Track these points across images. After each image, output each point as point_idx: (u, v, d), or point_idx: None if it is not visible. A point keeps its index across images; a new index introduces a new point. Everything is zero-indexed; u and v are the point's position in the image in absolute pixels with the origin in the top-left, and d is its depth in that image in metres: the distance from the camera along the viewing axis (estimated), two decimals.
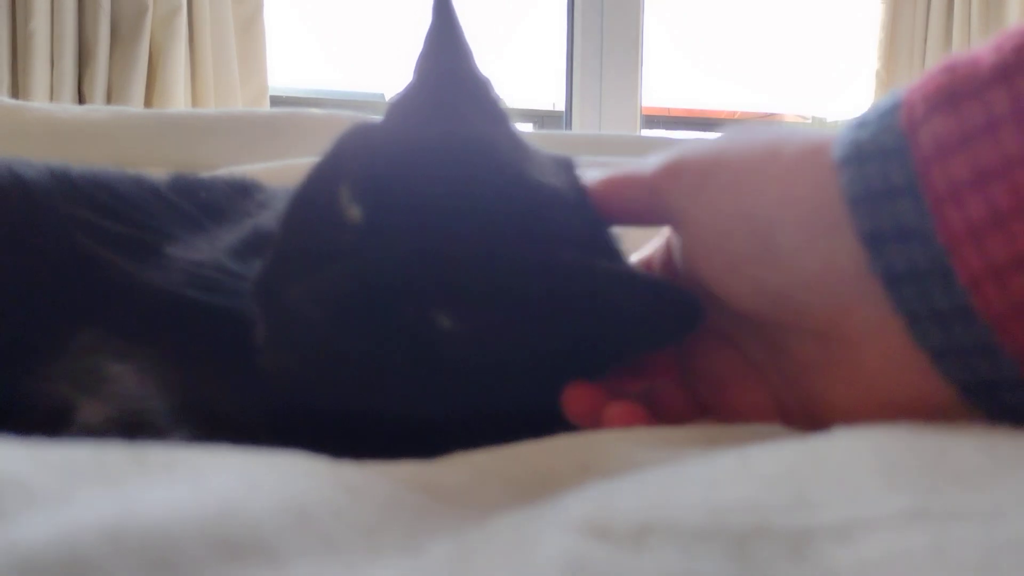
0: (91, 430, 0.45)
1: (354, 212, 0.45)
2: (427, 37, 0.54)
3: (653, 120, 2.54)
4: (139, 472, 0.29)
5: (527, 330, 0.45)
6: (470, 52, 0.54)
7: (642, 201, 0.46)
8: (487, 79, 0.55)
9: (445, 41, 0.54)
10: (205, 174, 0.81)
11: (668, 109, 2.63)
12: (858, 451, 0.31)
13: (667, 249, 0.50)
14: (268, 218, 0.57)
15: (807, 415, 0.42)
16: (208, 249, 0.55)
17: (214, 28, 2.02)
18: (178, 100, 1.97)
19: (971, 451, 0.31)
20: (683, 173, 0.44)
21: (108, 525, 0.23)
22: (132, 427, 0.45)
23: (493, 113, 0.53)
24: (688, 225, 0.44)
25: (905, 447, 0.31)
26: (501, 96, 0.55)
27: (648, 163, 0.46)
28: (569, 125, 2.38)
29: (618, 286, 0.46)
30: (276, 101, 2.16)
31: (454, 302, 0.44)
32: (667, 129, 2.61)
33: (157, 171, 0.69)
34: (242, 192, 0.65)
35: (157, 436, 0.44)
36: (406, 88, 0.54)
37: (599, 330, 0.47)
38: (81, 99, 1.92)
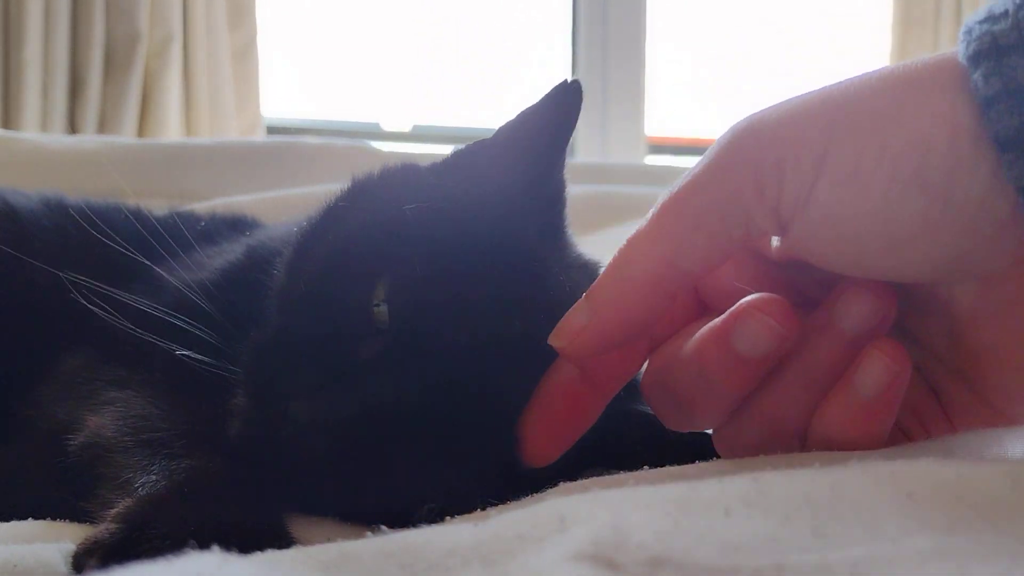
0: (99, 446, 0.44)
1: (382, 316, 0.42)
2: (536, 114, 0.49)
3: (658, 148, 2.55)
4: None
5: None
6: (565, 158, 0.50)
7: (727, 219, 0.37)
8: (564, 185, 0.51)
9: (552, 134, 0.49)
10: (198, 205, 0.81)
11: (674, 138, 2.63)
12: (876, 481, 0.30)
13: (747, 265, 0.43)
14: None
15: (962, 375, 0.38)
16: (203, 271, 0.54)
17: (208, 57, 2.02)
18: (172, 129, 1.97)
19: (994, 481, 0.30)
20: (790, 147, 0.35)
21: None
22: (145, 445, 0.43)
23: (558, 224, 0.50)
24: (818, 205, 0.35)
25: (924, 477, 0.30)
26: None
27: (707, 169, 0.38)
28: (573, 153, 2.38)
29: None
30: (272, 131, 2.16)
31: (463, 443, 0.42)
32: (673, 156, 2.61)
33: (149, 202, 0.69)
34: (240, 226, 0.64)
35: (170, 458, 0.42)
36: (480, 152, 0.50)
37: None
38: (73, 128, 1.92)
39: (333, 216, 0.49)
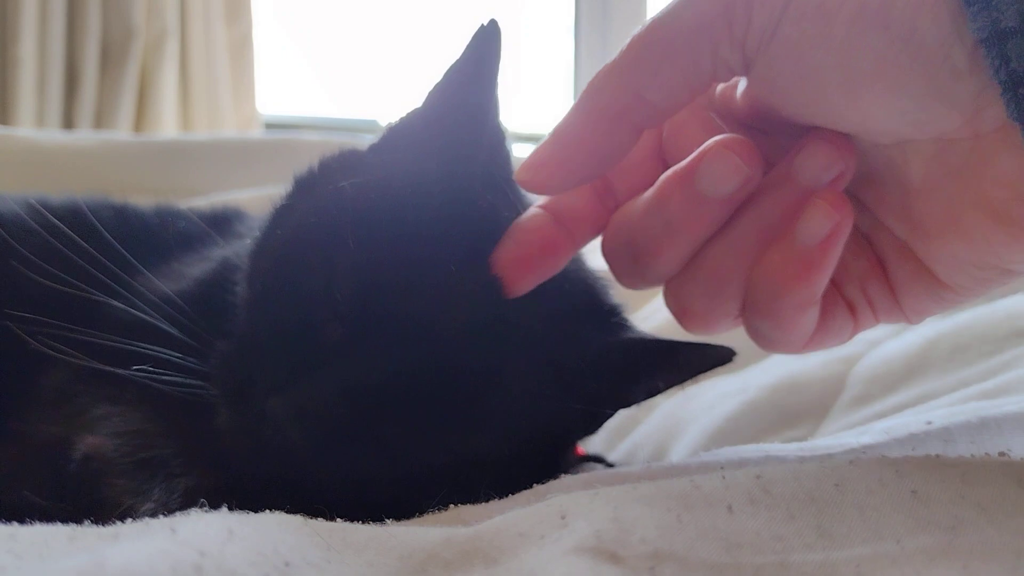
0: (97, 463, 0.44)
1: (344, 306, 0.42)
2: (458, 69, 0.48)
3: None
4: (113, 537, 0.28)
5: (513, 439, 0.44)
6: (498, 102, 0.48)
7: (695, 50, 0.37)
8: (504, 133, 0.50)
9: (477, 83, 0.47)
10: (195, 202, 0.81)
11: None
12: (880, 479, 0.29)
13: (712, 131, 0.42)
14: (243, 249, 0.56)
15: (910, 247, 0.38)
16: (178, 282, 0.53)
17: (205, 52, 2.01)
18: (168, 125, 1.96)
19: (998, 480, 0.29)
20: None
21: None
22: (144, 465, 0.43)
23: (503, 174, 0.48)
24: (783, 39, 0.35)
25: (929, 475, 0.30)
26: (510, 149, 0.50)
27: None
28: None
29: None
30: (269, 127, 2.15)
31: (445, 424, 0.42)
32: None
33: (144, 198, 0.68)
34: (222, 222, 0.64)
35: (169, 477, 0.42)
36: (413, 120, 0.50)
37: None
38: (69, 124, 1.91)
39: (280, 216, 0.49)
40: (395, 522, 0.35)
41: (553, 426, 0.46)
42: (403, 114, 0.51)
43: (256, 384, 0.42)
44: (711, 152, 0.37)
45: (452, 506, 0.36)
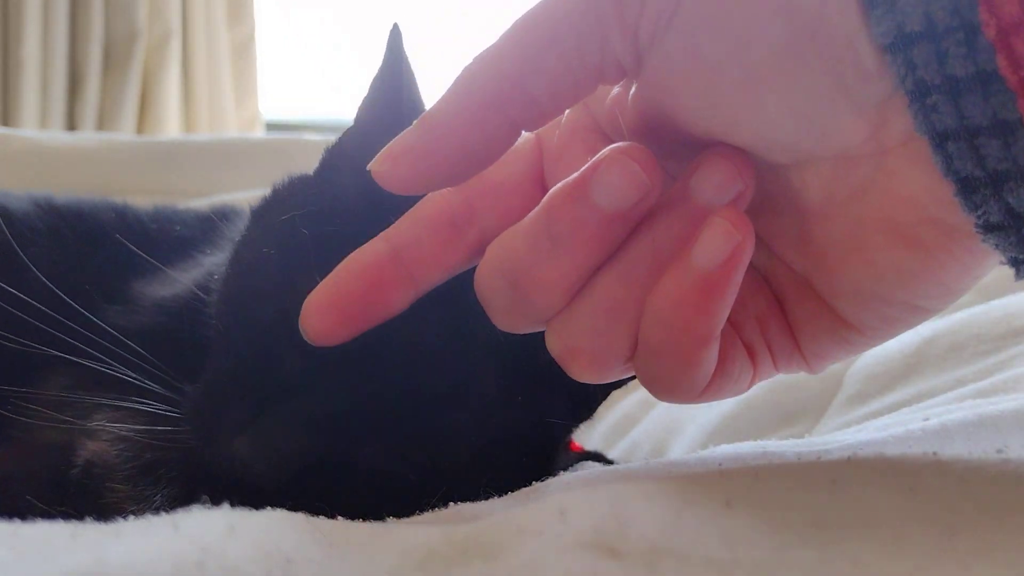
0: (100, 468, 0.44)
1: (300, 336, 0.39)
2: (378, 80, 0.48)
3: None
4: (115, 534, 0.28)
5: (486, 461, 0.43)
6: (420, 99, 0.48)
7: (581, 37, 0.33)
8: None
9: (396, 90, 0.47)
10: (196, 203, 0.81)
11: None
12: (878, 476, 0.30)
13: (593, 118, 0.39)
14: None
15: (808, 282, 0.35)
16: (175, 284, 0.54)
17: (207, 54, 2.02)
18: (170, 126, 1.96)
19: (995, 478, 0.30)
20: None
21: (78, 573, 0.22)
22: (147, 470, 0.43)
23: None
24: (678, 30, 0.32)
25: (926, 472, 0.30)
26: None
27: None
28: None
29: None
30: (271, 128, 2.16)
31: (414, 452, 0.41)
32: None
33: (146, 199, 0.69)
34: (218, 222, 0.64)
35: (172, 483, 0.42)
36: (348, 139, 0.49)
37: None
38: (72, 125, 1.92)
39: (241, 250, 0.49)
40: (396, 520, 0.35)
41: (537, 421, 0.45)
42: (340, 135, 0.50)
43: (222, 425, 0.41)
44: (608, 160, 0.32)
45: (452, 504, 0.36)
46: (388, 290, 0.36)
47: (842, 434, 0.43)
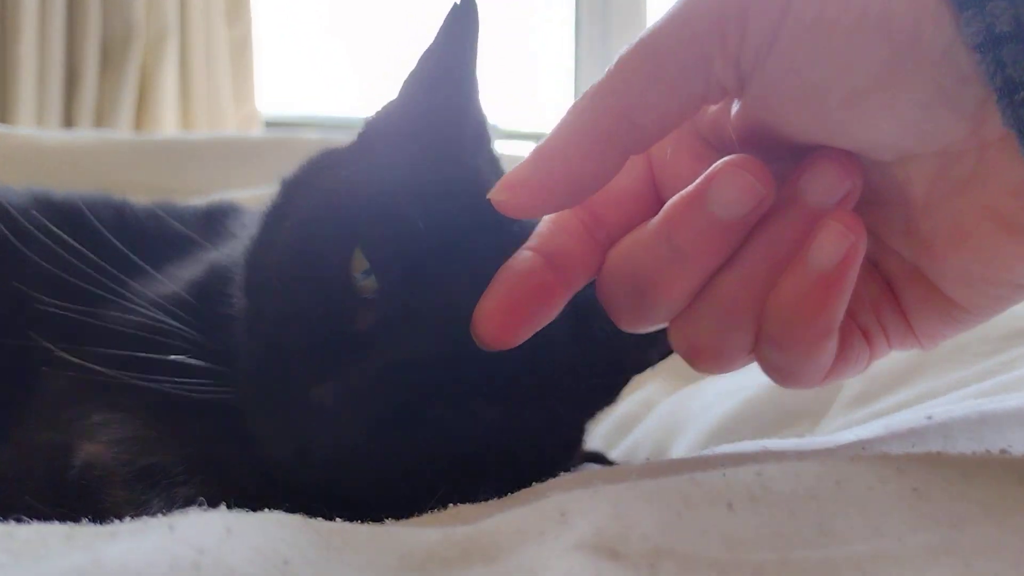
0: (96, 471, 0.43)
1: (368, 284, 0.42)
2: (433, 54, 0.47)
3: None
4: (110, 536, 0.28)
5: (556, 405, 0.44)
6: (477, 85, 0.48)
7: (686, 69, 0.35)
8: (484, 117, 0.49)
9: (455, 68, 0.47)
10: (191, 200, 0.81)
11: None
12: (881, 476, 0.29)
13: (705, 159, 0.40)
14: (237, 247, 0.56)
15: (917, 268, 0.37)
16: (173, 283, 0.53)
17: (205, 51, 2.01)
18: (168, 124, 1.96)
19: (999, 478, 0.29)
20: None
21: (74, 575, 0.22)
22: (144, 474, 0.42)
23: (489, 160, 0.48)
24: (780, 53, 0.34)
25: (930, 472, 0.30)
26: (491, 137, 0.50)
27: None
28: None
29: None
30: (270, 125, 2.16)
31: (495, 390, 0.42)
32: None
33: (144, 197, 0.68)
34: (217, 219, 0.64)
35: (170, 487, 0.41)
36: (392, 113, 0.50)
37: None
38: (69, 123, 1.91)
39: (273, 220, 0.49)
40: (394, 522, 0.35)
41: (582, 396, 0.46)
42: (380, 110, 0.50)
43: (294, 379, 0.41)
44: (723, 172, 0.35)
45: (451, 506, 0.36)
46: (551, 294, 0.38)
47: (845, 434, 0.43)
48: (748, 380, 0.69)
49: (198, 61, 2.01)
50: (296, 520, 0.30)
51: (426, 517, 0.35)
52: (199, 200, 1.10)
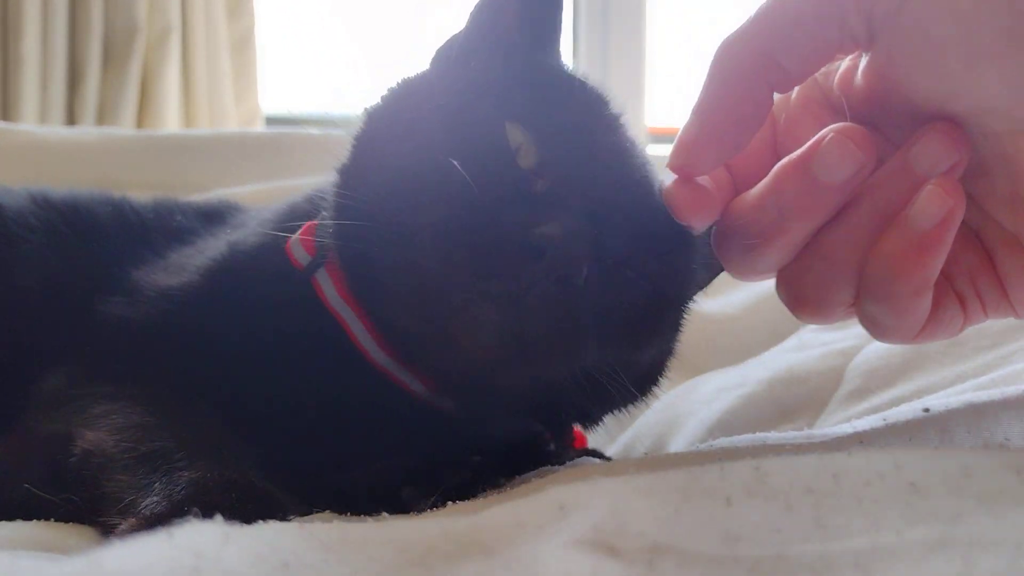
0: (99, 458, 0.43)
1: (528, 155, 0.44)
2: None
3: (659, 138, 2.54)
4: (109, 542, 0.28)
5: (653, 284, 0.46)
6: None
7: (823, 18, 0.38)
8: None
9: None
10: (197, 197, 0.81)
11: (675, 128, 2.61)
12: (879, 471, 0.29)
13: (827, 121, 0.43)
14: (242, 236, 0.55)
15: (1019, 240, 0.39)
16: (182, 272, 0.53)
17: (207, 48, 2.01)
18: (170, 121, 1.96)
19: (996, 471, 0.29)
20: None
21: None
22: (145, 459, 0.42)
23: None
24: (910, 11, 0.36)
25: (928, 467, 0.30)
26: None
27: None
28: None
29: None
30: (271, 122, 2.15)
31: (642, 253, 0.45)
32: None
33: (146, 193, 0.68)
34: (217, 215, 0.64)
35: (171, 472, 0.41)
36: (461, 38, 0.52)
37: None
38: (71, 120, 1.91)
39: (379, 122, 0.51)
40: (390, 516, 0.35)
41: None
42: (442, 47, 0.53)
43: (506, 225, 0.42)
44: (828, 140, 0.38)
45: (450, 503, 0.36)
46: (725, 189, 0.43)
47: (843, 427, 0.43)
48: (747, 376, 0.69)
49: (200, 58, 2.01)
50: (292, 527, 0.30)
51: (426, 513, 0.35)
52: (201, 196, 1.10)
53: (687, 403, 0.71)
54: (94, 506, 0.41)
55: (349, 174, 0.50)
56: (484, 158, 0.44)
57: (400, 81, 0.53)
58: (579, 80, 0.50)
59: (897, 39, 0.37)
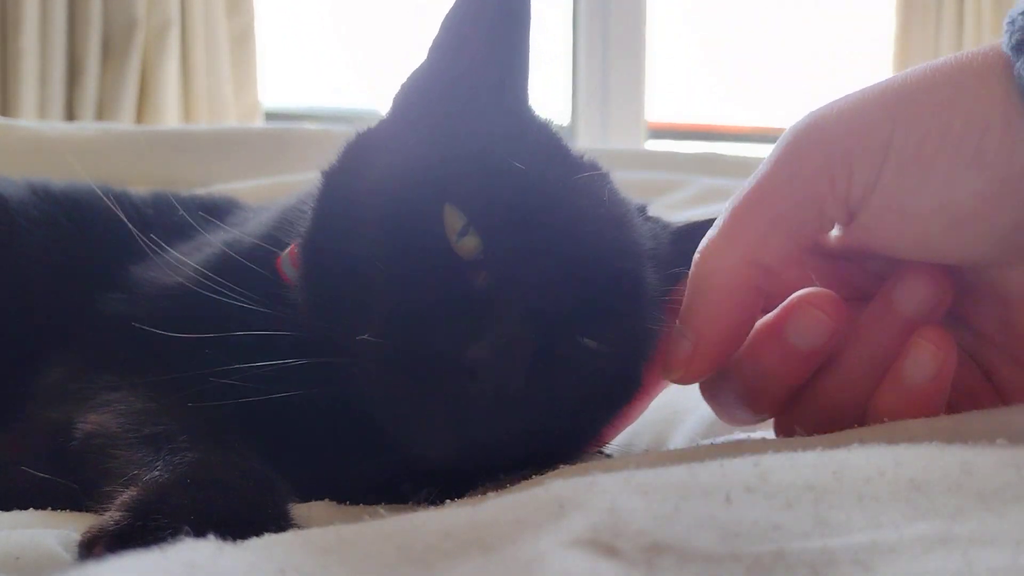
0: (102, 439, 0.43)
1: (469, 245, 0.43)
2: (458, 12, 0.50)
3: (659, 133, 2.54)
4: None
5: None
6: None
7: (801, 212, 0.39)
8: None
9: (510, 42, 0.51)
10: (193, 192, 0.81)
11: (674, 123, 2.62)
12: (879, 467, 0.29)
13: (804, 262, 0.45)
14: (242, 235, 0.55)
15: (1014, 358, 0.40)
16: (179, 270, 0.53)
17: (206, 43, 2.01)
18: (170, 116, 1.96)
19: (997, 468, 0.29)
20: (852, 144, 0.37)
21: None
22: (149, 440, 0.42)
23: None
24: (884, 190, 0.37)
25: (928, 463, 0.30)
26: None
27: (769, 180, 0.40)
28: (575, 138, 2.36)
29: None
30: (271, 117, 2.15)
31: (598, 324, 0.44)
32: (673, 141, 2.61)
33: (145, 188, 0.68)
34: (217, 211, 0.64)
35: (173, 452, 0.41)
36: (423, 75, 0.51)
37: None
38: (71, 115, 1.91)
39: (332, 192, 0.49)
40: (388, 513, 0.35)
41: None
42: (405, 83, 0.52)
43: (437, 346, 0.41)
44: (797, 308, 0.39)
45: (448, 501, 0.36)
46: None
47: None
48: None
49: (199, 53, 2.00)
50: (288, 536, 0.30)
51: (426, 510, 0.35)
52: (200, 191, 1.10)
53: (686, 398, 0.71)
54: (96, 484, 0.41)
55: (308, 248, 0.49)
56: (422, 252, 0.43)
57: (358, 134, 0.51)
58: (542, 125, 0.50)
59: (875, 216, 0.38)
